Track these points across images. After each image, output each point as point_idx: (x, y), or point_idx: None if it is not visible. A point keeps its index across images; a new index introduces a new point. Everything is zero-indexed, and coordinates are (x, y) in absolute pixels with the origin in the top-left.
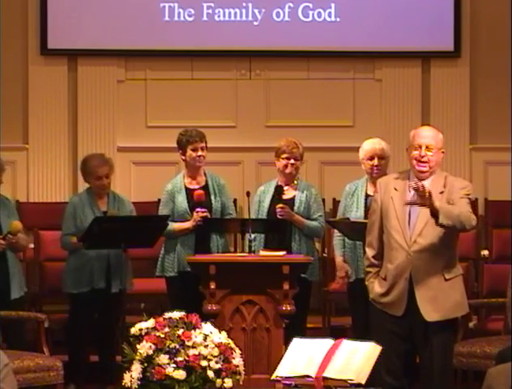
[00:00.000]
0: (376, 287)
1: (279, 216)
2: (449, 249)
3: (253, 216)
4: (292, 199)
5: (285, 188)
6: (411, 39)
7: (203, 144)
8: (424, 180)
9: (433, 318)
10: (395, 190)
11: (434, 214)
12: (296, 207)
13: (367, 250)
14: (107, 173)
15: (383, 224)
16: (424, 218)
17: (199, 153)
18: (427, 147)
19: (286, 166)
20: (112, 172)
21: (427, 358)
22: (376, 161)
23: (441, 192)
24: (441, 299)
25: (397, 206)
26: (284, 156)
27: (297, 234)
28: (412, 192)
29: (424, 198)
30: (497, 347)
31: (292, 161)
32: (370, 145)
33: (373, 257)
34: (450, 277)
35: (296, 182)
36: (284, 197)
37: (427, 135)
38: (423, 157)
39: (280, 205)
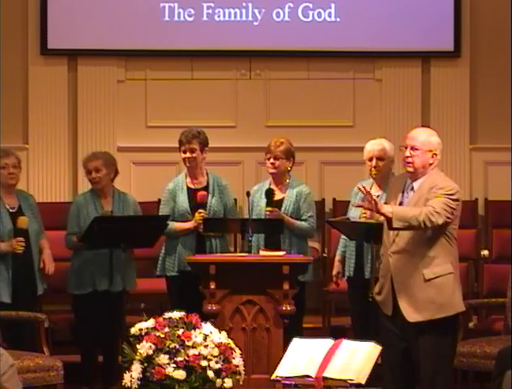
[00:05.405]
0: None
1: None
2: (430, 248)
3: (247, 215)
4: (282, 200)
5: (275, 189)
6: (411, 39)
7: (193, 146)
8: (414, 181)
9: (414, 318)
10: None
11: (387, 219)
12: (283, 208)
13: None
14: (96, 166)
15: None
16: None
17: (187, 155)
18: (412, 148)
19: (270, 166)
20: (104, 166)
21: (419, 358)
22: (374, 162)
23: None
24: (421, 300)
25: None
26: (268, 155)
27: (287, 235)
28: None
29: (370, 204)
30: (497, 347)
31: (271, 160)
32: (370, 146)
33: None
34: (430, 277)
35: (288, 181)
36: (276, 198)
37: (412, 136)
38: (407, 158)
39: (269, 208)
